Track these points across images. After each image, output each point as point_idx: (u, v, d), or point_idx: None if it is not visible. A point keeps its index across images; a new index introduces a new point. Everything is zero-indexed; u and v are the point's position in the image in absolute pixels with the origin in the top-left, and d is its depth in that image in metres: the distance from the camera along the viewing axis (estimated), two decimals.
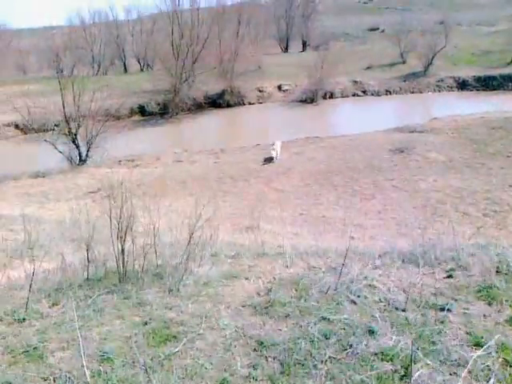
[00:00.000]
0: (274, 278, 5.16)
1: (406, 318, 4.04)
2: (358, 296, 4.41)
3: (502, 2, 62.86)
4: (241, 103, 36.06)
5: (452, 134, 22.09)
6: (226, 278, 5.23)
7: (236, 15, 43.32)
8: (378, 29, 59.70)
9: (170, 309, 4.23)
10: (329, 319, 3.96)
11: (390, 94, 36.60)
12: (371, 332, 3.80)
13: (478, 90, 35.00)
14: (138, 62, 53.56)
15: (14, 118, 27.43)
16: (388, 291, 4.66)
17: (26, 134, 27.81)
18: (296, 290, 4.54)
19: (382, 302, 4.37)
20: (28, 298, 4.21)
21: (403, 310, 4.20)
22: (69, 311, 4.10)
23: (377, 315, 4.04)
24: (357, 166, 18.19)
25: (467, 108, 27.73)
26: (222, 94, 35.95)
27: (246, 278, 5.25)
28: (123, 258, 4.95)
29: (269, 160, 19.55)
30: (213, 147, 22.88)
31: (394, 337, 3.69)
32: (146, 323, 3.98)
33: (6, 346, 3.66)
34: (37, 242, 8.13)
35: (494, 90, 34.03)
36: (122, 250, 4.77)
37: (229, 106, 35.54)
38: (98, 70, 51.47)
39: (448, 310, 4.18)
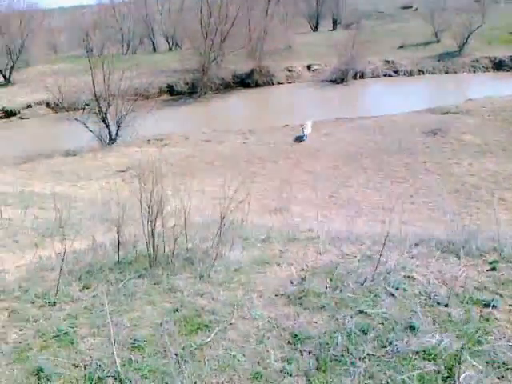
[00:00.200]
0: (307, 266, 5.00)
1: (449, 314, 3.82)
2: (397, 288, 4.20)
3: None
4: (270, 83, 35.53)
5: (488, 116, 21.22)
6: (257, 263, 5.10)
7: None
8: (411, 7, 57.51)
9: (202, 296, 4.13)
10: (366, 313, 3.77)
11: (423, 73, 35.37)
12: (412, 328, 3.60)
13: None
14: (167, 41, 53.28)
15: (46, 96, 27.77)
16: (428, 284, 4.43)
17: (56, 112, 28.10)
18: (331, 280, 4.37)
19: (422, 295, 4.15)
20: (59, 281, 4.17)
21: (445, 306, 3.97)
22: (100, 295, 4.04)
23: (417, 310, 3.83)
24: (388, 148, 17.71)
25: (503, 89, 26.59)
26: (250, 74, 35.49)
27: (278, 265, 5.11)
28: (153, 242, 4.87)
29: (299, 139, 19.36)
30: (241, 127, 22.65)
31: (436, 334, 3.48)
32: (176, 310, 3.89)
33: (38, 330, 3.63)
34: (68, 220, 8.18)
35: None
36: (153, 234, 4.67)
37: (257, 85, 35.06)
38: (128, 49, 51.50)
39: (493, 306, 3.94)
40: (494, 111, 21.86)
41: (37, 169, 17.32)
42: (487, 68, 34.86)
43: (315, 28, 55.28)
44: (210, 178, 15.25)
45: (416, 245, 5.83)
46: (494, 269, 4.76)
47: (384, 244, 4.54)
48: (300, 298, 4.06)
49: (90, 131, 20.68)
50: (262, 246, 6.07)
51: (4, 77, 38.46)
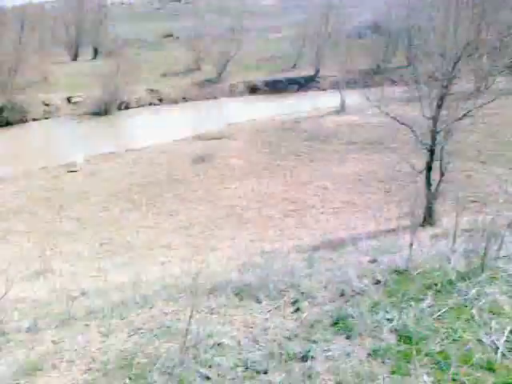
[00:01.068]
0: (94, 360, 3.91)
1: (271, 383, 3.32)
2: (210, 366, 3.52)
3: (286, 9, 67.43)
4: (23, 120, 31.39)
5: (249, 138, 22.66)
6: (24, 373, 3.80)
7: (19, 20, 37.30)
8: (172, 35, 58.92)
9: None
10: None
11: (187, 101, 36.52)
12: None
13: (267, 94, 37.09)
14: None
15: None
16: (240, 347, 3.89)
17: None
18: (130, 379, 3.42)
19: (238, 366, 3.58)
20: None
21: (265, 373, 3.47)
22: None
23: None
24: (159, 181, 17.18)
25: (259, 111, 29.28)
26: (0, 111, 30.84)
27: (54, 368, 3.90)
28: None
29: (72, 171, 18.94)
30: None
31: None
32: None
33: None
34: None
35: (281, 92, 36.60)
36: None
37: (8, 124, 30.66)
38: None
39: (312, 357, 3.59)
40: (253, 133, 23.59)
41: None
42: (244, 92, 37.96)
43: (75, 57, 51.84)
44: None
45: (211, 293, 5.25)
46: (298, 309, 4.49)
47: (191, 316, 3.79)
48: None
49: None
50: (27, 340, 4.69)
51: None
